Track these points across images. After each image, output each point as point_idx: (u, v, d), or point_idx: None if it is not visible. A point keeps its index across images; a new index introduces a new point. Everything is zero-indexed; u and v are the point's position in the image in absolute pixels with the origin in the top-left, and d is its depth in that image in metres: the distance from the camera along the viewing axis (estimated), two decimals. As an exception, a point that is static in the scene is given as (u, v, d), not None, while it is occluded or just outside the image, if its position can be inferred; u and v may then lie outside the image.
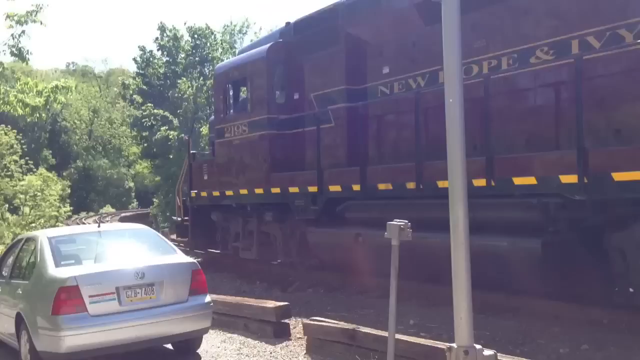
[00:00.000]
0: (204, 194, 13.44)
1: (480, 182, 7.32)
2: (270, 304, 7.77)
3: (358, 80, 10.03)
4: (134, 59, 45.46)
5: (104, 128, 66.51)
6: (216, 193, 12.90)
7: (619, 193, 6.16)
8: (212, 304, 6.89)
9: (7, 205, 36.75)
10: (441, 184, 7.72)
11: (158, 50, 44.99)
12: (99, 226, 7.28)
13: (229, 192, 12.44)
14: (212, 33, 45.73)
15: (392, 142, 9.47)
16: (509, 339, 6.43)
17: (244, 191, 11.93)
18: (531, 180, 6.91)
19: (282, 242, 11.58)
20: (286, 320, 7.66)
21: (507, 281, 7.23)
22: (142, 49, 45.30)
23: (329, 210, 10.01)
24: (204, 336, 7.14)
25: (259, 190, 11.46)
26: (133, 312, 6.19)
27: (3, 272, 7.81)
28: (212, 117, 14.88)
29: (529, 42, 7.54)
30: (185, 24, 46.15)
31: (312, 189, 10.12)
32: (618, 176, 6.07)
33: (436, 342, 5.44)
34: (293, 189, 10.63)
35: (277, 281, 11.39)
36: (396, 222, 5.15)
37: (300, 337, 7.29)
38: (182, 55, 43.89)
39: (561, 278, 6.98)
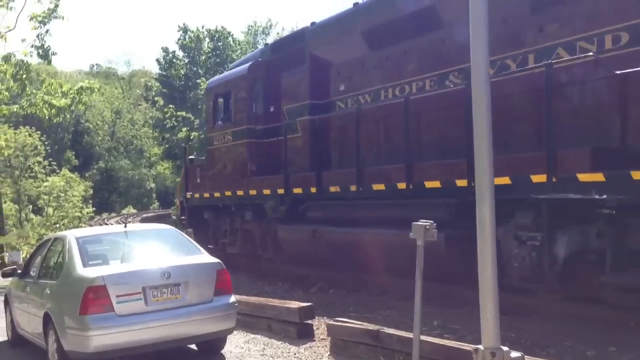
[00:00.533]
0: (197, 195, 14.78)
1: (402, 186, 8.88)
2: (294, 304, 7.78)
3: (322, 96, 11.29)
4: (157, 60, 45.98)
5: (126, 129, 67.13)
6: (206, 195, 14.20)
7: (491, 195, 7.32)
8: (236, 304, 6.92)
9: (31, 206, 37.30)
10: (375, 186, 9.34)
11: (179, 50, 45.46)
12: (125, 227, 7.34)
13: (216, 194, 13.71)
14: (230, 35, 46.03)
15: (344, 151, 10.79)
16: (534, 340, 6.38)
17: (228, 193, 13.22)
18: (437, 184, 8.40)
19: (260, 238, 12.63)
20: (310, 321, 7.67)
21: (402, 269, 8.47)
22: (165, 50, 45.78)
23: (295, 209, 11.25)
24: (228, 337, 7.18)
25: (240, 192, 12.79)
26: (159, 312, 6.22)
27: (31, 272, 7.92)
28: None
29: (445, 68, 8.86)
30: (203, 27, 46.58)
31: (280, 191, 11.45)
32: (500, 182, 7.06)
33: (462, 343, 5.42)
34: (266, 191, 11.96)
35: (298, 282, 11.43)
36: (421, 222, 5.14)
37: (323, 338, 7.29)
38: (203, 58, 44.26)
39: (461, 266, 8.04)
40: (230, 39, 45.84)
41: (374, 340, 6.12)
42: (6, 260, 19.33)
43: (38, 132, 36.15)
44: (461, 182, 7.97)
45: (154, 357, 6.65)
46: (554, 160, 6.87)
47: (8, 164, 33.19)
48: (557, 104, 7.01)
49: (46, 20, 16.15)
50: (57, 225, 31.26)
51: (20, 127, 35.44)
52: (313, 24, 11.79)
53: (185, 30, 45.32)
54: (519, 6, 7.90)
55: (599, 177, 6.39)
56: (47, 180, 36.00)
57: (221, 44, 45.39)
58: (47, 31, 16.21)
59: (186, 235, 7.82)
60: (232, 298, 6.85)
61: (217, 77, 17.12)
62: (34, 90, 17.36)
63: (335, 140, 11.09)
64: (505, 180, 7.23)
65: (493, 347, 4.05)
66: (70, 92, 16.87)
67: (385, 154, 9.86)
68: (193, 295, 6.48)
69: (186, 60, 45.51)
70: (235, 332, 7.30)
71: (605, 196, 6.21)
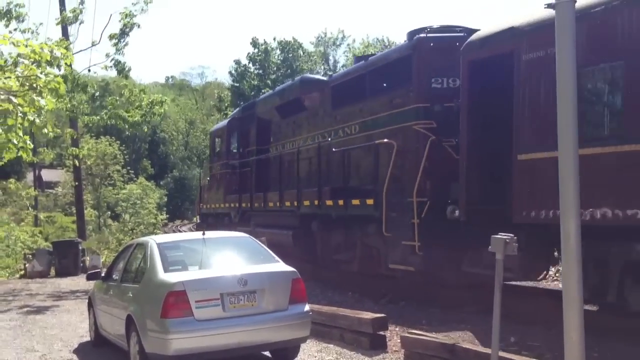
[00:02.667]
0: (205, 206, 21.02)
1: (275, 205, 14.84)
2: (367, 315, 7.76)
3: (264, 143, 16.88)
4: (230, 72, 47.08)
5: (199, 139, 68.88)
6: (208, 206, 20.49)
7: (305, 211, 13.40)
8: (311, 313, 6.96)
9: (109, 212, 38.78)
10: (270, 204, 15.26)
11: (249, 63, 46.39)
12: (203, 234, 7.52)
13: (213, 206, 19.86)
14: (301, 46, 46.60)
15: (266, 180, 16.36)
16: (618, 361, 6.13)
17: (217, 205, 19.31)
18: (288, 204, 14.10)
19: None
20: (382, 332, 7.63)
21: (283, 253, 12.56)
22: (237, 62, 46.80)
23: (245, 217, 17.10)
24: (301, 345, 7.23)
25: (222, 205, 18.80)
26: (236, 319, 6.34)
27: (114, 276, 8.23)
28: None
29: (307, 134, 14.48)
30: (274, 39, 47.40)
31: (236, 205, 17.41)
32: (305, 203, 13.30)
33: (543, 361, 5.25)
34: (232, 205, 17.87)
35: (369, 292, 11.38)
36: (501, 236, 5.03)
37: (396, 350, 7.23)
38: (274, 68, 45.00)
39: (303, 252, 13.54)
40: (300, 50, 46.39)
41: (449, 354, 6.02)
42: (87, 263, 20.18)
43: (117, 141, 37.58)
44: (295, 203, 13.69)
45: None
46: (320, 193, 12.68)
47: (90, 172, 34.65)
48: (323, 162, 12.92)
49: (124, 35, 17.01)
50: (134, 231, 32.34)
51: (101, 137, 37.00)
52: (258, 97, 20.45)
53: (255, 44, 46.28)
54: (327, 104, 13.53)
55: (331, 202, 12.21)
56: (125, 188, 37.37)
57: (291, 55, 46.01)
58: (125, 45, 17.10)
59: (261, 244, 7.92)
60: (307, 307, 6.89)
61: (217, 124, 24.62)
62: (115, 101, 18.20)
63: (268, 173, 16.55)
64: (307, 203, 13.23)
65: (578, 366, 3.93)
66: (145, 103, 17.72)
67: (278, 184, 15.22)
68: (268, 302, 6.57)
69: (256, 72, 46.38)
70: (308, 340, 7.33)
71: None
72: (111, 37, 17.09)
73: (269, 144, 16.59)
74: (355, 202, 11.37)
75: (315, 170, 13.27)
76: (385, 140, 10.68)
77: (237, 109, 21.82)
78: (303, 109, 14.53)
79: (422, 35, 10.52)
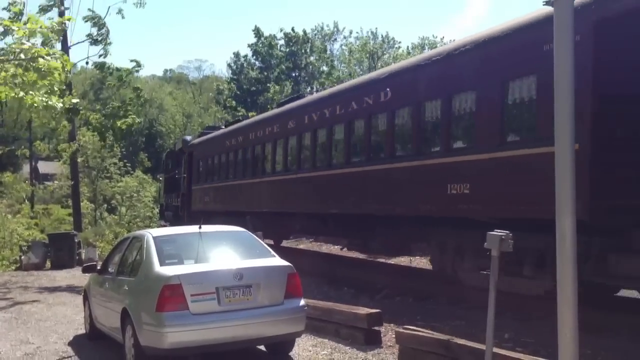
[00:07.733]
0: (160, 200, 33.98)
1: (173, 202, 28.61)
2: (362, 310, 7.77)
3: (178, 168, 27.09)
4: (229, 65, 46.87)
5: (196, 132, 68.67)
6: (160, 200, 32.89)
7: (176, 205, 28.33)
8: (306, 307, 6.97)
9: (105, 205, 38.70)
10: (171, 202, 29.52)
11: (253, 56, 46.12)
12: (199, 227, 7.50)
13: (160, 200, 32.85)
14: (309, 40, 46.38)
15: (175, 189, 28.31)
16: (611, 359, 6.15)
17: (161, 200, 31.92)
18: (174, 203, 28.68)
19: (173, 220, 27.29)
20: (377, 328, 7.64)
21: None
22: (237, 55, 46.59)
23: (167, 207, 30.26)
24: (296, 339, 7.23)
25: (162, 200, 31.36)
26: (231, 313, 6.34)
27: (109, 269, 8.23)
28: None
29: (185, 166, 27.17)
30: (281, 30, 47.11)
31: (166, 200, 30.08)
32: (175, 203, 28.48)
33: (538, 358, 5.26)
34: (166, 200, 30.15)
35: (364, 288, 11.42)
36: (497, 232, 5.02)
37: (391, 345, 7.25)
38: (275, 62, 44.76)
39: (174, 221, 27.37)
40: (308, 44, 46.09)
41: (444, 350, 6.02)
42: (83, 256, 20.16)
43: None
44: (175, 202, 27.99)
45: (225, 356, 6.79)
46: (177, 198, 27.83)
47: (86, 164, 34.57)
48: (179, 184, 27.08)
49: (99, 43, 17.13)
50: (131, 224, 32.33)
51: (98, 129, 36.88)
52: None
53: (258, 35, 45.95)
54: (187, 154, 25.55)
55: (177, 202, 27.84)
56: (121, 181, 37.31)
57: (295, 48, 45.73)
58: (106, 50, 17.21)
59: (258, 238, 7.91)
60: (302, 301, 6.89)
61: (168, 150, 37.85)
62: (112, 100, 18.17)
63: (178, 185, 27.27)
64: (176, 202, 27.75)
65: (571, 363, 3.97)
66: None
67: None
68: (264, 297, 6.57)
69: (257, 65, 46.14)
70: (303, 335, 7.34)
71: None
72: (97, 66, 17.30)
73: (178, 169, 27.35)
74: (177, 202, 25.55)
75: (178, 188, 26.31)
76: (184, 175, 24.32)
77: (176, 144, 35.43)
78: (183, 154, 25.28)
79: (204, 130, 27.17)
